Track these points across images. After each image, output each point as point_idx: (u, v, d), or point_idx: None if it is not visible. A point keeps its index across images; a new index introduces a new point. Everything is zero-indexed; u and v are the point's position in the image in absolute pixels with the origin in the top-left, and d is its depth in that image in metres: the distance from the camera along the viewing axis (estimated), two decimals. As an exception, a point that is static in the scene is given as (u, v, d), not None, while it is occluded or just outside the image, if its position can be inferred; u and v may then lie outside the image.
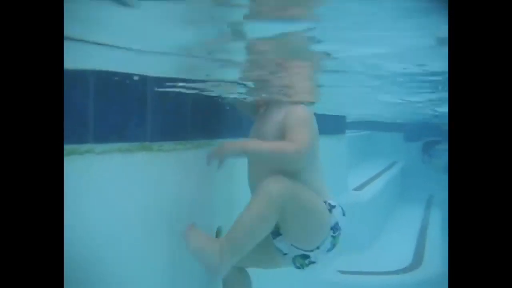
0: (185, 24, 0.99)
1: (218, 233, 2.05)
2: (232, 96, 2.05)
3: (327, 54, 1.31)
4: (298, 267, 1.80)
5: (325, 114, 3.37)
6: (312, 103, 2.03)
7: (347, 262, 3.71)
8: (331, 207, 1.73)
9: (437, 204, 6.26)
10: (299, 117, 1.70)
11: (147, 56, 1.24)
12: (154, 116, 1.57)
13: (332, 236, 1.72)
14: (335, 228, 1.72)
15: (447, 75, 1.78)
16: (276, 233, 1.77)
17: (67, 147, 1.18)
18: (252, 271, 1.96)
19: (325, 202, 1.73)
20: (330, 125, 3.65)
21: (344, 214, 1.78)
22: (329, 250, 1.75)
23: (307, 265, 1.78)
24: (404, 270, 3.70)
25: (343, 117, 4.30)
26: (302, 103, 1.81)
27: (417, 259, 3.96)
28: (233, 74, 1.66)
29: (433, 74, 1.83)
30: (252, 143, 1.72)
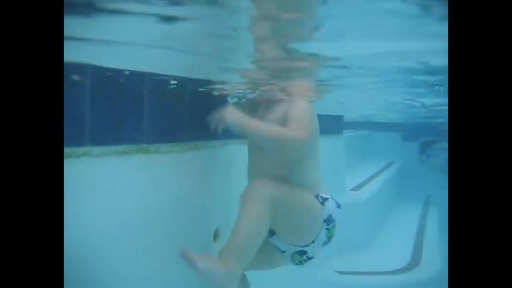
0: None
1: (216, 235, 2.05)
2: (231, 93, 2.04)
3: (328, 55, 1.30)
4: (297, 264, 1.82)
5: (323, 114, 3.37)
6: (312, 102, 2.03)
7: (345, 262, 3.71)
8: (324, 200, 1.75)
9: (435, 203, 6.27)
10: (301, 110, 1.71)
11: (145, 51, 1.23)
12: (151, 118, 1.57)
13: (326, 228, 1.74)
14: (328, 220, 1.74)
15: (444, 75, 1.79)
16: (272, 231, 1.78)
17: (64, 150, 1.17)
18: (251, 273, 1.95)
19: (317, 195, 1.75)
20: (328, 125, 3.65)
21: (339, 206, 1.80)
22: (325, 243, 1.78)
23: (305, 261, 1.79)
24: (402, 270, 3.70)
25: (341, 117, 4.30)
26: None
27: (415, 259, 3.96)
28: (235, 75, 1.66)
29: (431, 73, 1.84)
30: (254, 123, 1.69)
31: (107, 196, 1.35)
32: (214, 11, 0.90)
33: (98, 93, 1.33)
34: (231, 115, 1.66)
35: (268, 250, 1.83)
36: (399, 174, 6.54)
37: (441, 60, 1.41)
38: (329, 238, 1.76)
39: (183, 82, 1.70)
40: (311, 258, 1.79)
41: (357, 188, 4.65)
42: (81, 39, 1.05)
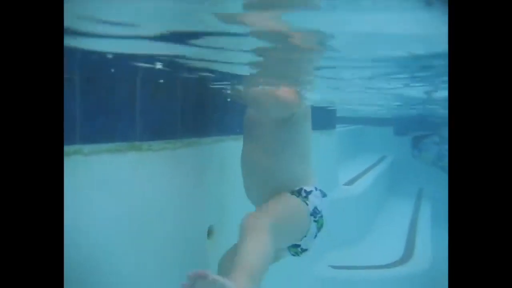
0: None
1: (209, 232, 2.04)
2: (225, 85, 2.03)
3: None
4: (293, 255, 1.85)
5: (315, 107, 3.36)
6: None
7: (339, 256, 3.73)
8: (307, 194, 1.77)
9: (427, 197, 6.32)
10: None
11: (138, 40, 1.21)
12: (143, 115, 1.55)
13: (314, 221, 1.76)
14: (314, 213, 1.76)
15: (438, 68, 1.79)
16: None
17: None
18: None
19: (300, 190, 1.77)
20: (320, 120, 3.65)
21: (324, 195, 1.82)
22: (316, 235, 1.80)
23: (301, 252, 1.83)
24: (396, 264, 3.73)
25: (334, 112, 4.31)
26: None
27: (408, 252, 3.99)
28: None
29: (425, 67, 1.84)
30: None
31: (100, 195, 1.34)
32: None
33: (88, 90, 1.31)
34: None
35: None
36: (392, 168, 6.58)
37: (436, 48, 1.40)
38: (319, 229, 1.79)
39: (176, 72, 1.68)
40: (306, 250, 1.82)
41: (350, 182, 4.67)
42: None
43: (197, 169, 1.93)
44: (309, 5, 0.94)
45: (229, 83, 1.99)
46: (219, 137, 2.11)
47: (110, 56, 1.38)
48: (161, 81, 1.66)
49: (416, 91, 2.95)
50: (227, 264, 1.81)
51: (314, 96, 2.28)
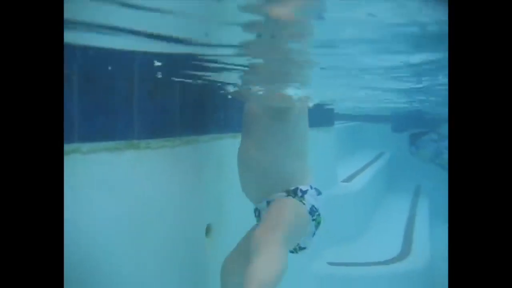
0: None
1: (208, 230, 2.04)
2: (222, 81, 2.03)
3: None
4: (292, 252, 1.85)
5: (314, 107, 3.36)
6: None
7: (337, 253, 3.74)
8: (303, 194, 1.78)
9: (425, 193, 6.33)
10: None
11: (137, 38, 1.21)
12: (141, 113, 1.55)
13: (312, 220, 1.77)
14: (312, 211, 1.77)
15: (433, 64, 1.79)
16: None
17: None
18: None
19: (295, 189, 1.77)
20: (318, 117, 3.65)
21: (320, 193, 1.83)
22: (314, 233, 1.82)
23: (299, 250, 1.85)
24: (393, 260, 3.74)
25: (331, 109, 4.31)
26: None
27: (406, 249, 4.01)
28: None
29: (419, 64, 1.83)
30: None
31: (99, 193, 1.34)
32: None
33: (86, 88, 1.30)
34: None
35: None
36: (389, 164, 6.60)
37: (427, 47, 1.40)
38: (317, 227, 1.80)
39: (173, 70, 1.68)
40: (304, 248, 1.83)
41: (348, 179, 4.68)
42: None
43: (195, 167, 1.92)
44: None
45: (228, 82, 1.99)
46: (218, 135, 2.11)
47: (107, 54, 1.38)
48: (159, 77, 1.65)
49: (415, 85, 2.94)
50: (232, 266, 1.82)
51: (311, 94, 2.28)
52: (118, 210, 1.43)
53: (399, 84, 2.72)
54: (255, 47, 1.41)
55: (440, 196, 4.73)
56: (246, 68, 1.70)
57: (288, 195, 1.77)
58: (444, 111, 4.89)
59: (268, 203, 1.80)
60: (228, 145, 2.07)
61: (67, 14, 0.85)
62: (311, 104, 2.02)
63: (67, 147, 1.21)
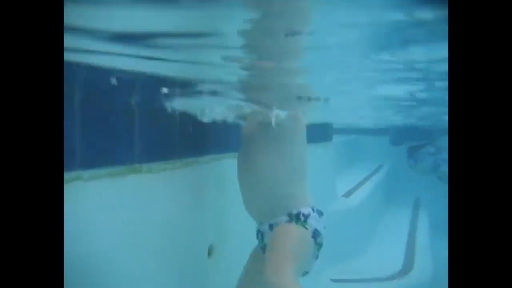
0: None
1: (210, 251, 2.03)
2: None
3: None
4: None
5: (312, 123, 3.38)
6: None
7: (339, 270, 3.71)
8: (305, 217, 1.77)
9: (424, 205, 6.31)
10: None
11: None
12: (142, 137, 1.55)
13: (315, 244, 1.77)
14: (315, 235, 1.77)
15: (430, 72, 1.79)
16: (265, 248, 1.80)
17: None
18: None
19: (298, 213, 1.76)
20: (317, 133, 3.66)
21: (321, 214, 1.83)
22: (317, 256, 1.81)
23: (303, 274, 1.82)
24: (397, 275, 3.71)
25: (330, 124, 4.32)
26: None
27: (409, 263, 3.98)
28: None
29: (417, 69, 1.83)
30: None
31: (101, 220, 1.33)
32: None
33: (87, 115, 1.31)
34: None
35: None
36: (388, 177, 6.58)
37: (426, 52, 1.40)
38: (319, 249, 1.80)
39: (173, 93, 1.69)
40: (307, 272, 1.82)
41: (348, 194, 4.66)
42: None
43: (196, 187, 1.92)
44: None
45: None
46: (217, 155, 2.11)
47: (107, 78, 1.39)
48: (158, 102, 1.66)
49: (414, 97, 2.95)
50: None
51: (308, 114, 2.28)
52: (121, 235, 1.42)
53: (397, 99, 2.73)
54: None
55: (440, 209, 4.72)
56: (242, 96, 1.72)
57: (291, 219, 1.76)
58: (440, 123, 4.91)
59: (271, 226, 1.79)
60: (228, 165, 2.06)
61: (68, 42, 0.85)
62: (306, 122, 2.02)
63: (69, 175, 1.21)
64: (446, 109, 0.80)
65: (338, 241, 3.26)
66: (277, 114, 1.84)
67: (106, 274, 1.35)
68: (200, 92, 1.74)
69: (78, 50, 1.08)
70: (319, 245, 1.78)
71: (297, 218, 1.76)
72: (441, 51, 1.13)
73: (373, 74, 1.88)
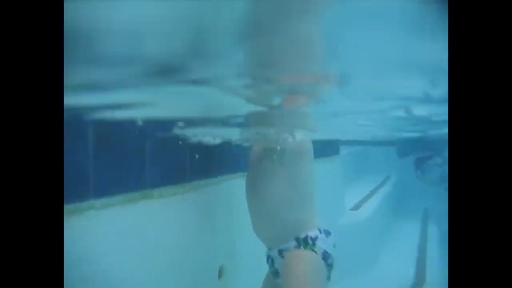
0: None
1: (220, 273, 2.02)
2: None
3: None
4: None
5: (319, 140, 3.38)
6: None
7: (350, 285, 3.67)
8: (313, 241, 1.76)
9: (433, 217, 6.26)
10: None
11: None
12: (153, 162, 1.56)
13: (326, 265, 1.76)
14: (325, 257, 1.76)
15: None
16: (276, 273, 1.81)
17: (68, 207, 1.15)
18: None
19: (306, 237, 1.76)
20: (324, 148, 3.66)
21: (329, 234, 1.82)
22: (329, 278, 1.80)
23: None
24: (408, 290, 3.67)
25: (337, 139, 4.31)
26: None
27: (420, 276, 3.93)
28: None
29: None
30: None
31: (114, 246, 1.33)
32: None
33: (99, 144, 1.32)
34: None
35: None
36: (396, 189, 6.55)
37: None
38: (330, 270, 1.78)
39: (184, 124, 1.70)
40: None
41: (356, 207, 4.64)
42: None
43: (207, 209, 1.92)
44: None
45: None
46: (226, 176, 2.11)
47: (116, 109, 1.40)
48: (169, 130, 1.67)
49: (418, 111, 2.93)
50: None
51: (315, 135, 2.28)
52: (133, 259, 1.42)
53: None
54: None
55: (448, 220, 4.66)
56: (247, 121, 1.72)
57: (299, 244, 1.75)
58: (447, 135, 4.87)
59: (280, 252, 1.79)
60: (238, 185, 2.07)
61: (67, 79, 0.86)
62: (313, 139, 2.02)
63: (81, 205, 1.22)
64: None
65: (347, 255, 3.24)
66: (283, 139, 1.84)
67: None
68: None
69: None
70: (330, 267, 1.77)
71: (305, 243, 1.75)
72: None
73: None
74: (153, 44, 0.84)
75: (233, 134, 1.95)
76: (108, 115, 1.33)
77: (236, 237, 2.13)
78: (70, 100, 0.98)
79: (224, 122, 1.66)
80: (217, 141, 1.96)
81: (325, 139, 3.64)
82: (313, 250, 1.74)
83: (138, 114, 1.40)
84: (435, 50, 0.95)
